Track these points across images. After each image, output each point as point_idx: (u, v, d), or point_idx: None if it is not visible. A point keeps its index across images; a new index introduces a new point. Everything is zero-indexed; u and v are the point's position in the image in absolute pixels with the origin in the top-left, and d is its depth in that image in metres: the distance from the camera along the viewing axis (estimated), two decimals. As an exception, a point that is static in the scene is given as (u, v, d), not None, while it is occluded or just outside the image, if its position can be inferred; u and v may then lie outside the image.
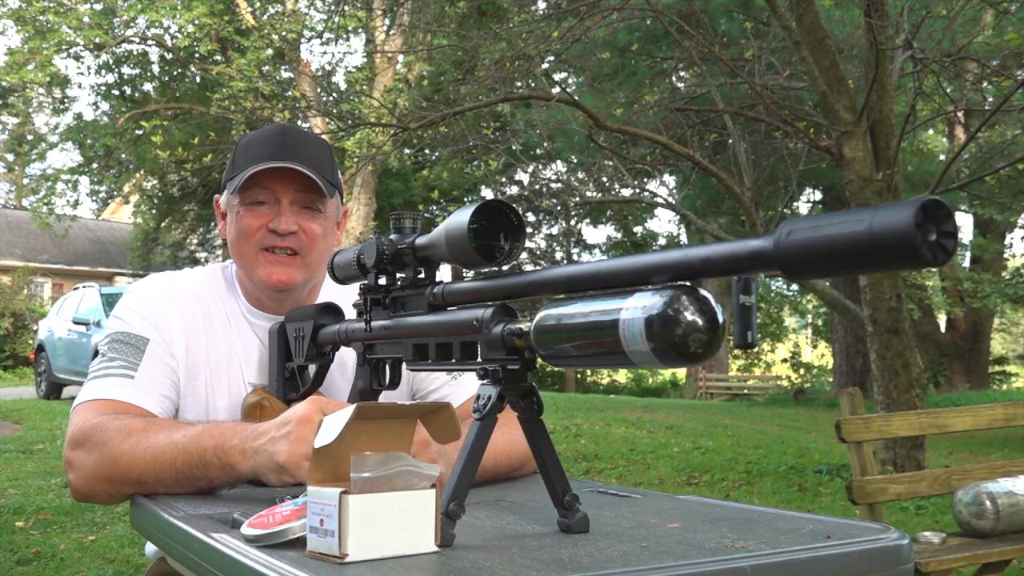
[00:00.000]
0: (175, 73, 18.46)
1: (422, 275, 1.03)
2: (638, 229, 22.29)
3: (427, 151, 16.55)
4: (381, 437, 0.86)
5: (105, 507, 4.82)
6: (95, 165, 19.78)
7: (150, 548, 1.52)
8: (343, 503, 0.77)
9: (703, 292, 0.69)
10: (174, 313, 1.44)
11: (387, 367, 1.18)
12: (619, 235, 22.91)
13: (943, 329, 17.00)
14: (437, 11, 10.23)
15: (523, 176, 16.32)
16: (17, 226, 25.42)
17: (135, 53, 17.80)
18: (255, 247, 1.43)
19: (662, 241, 22.04)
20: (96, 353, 1.42)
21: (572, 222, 20.52)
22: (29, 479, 5.94)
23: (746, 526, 0.95)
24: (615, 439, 8.46)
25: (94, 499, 1.28)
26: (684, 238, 19.71)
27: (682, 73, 10.94)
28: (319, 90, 15.84)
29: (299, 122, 15.92)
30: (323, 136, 11.29)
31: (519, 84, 9.09)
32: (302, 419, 1.08)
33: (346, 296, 1.46)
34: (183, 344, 1.43)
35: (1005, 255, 16.62)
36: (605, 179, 9.97)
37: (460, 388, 1.46)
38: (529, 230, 21.18)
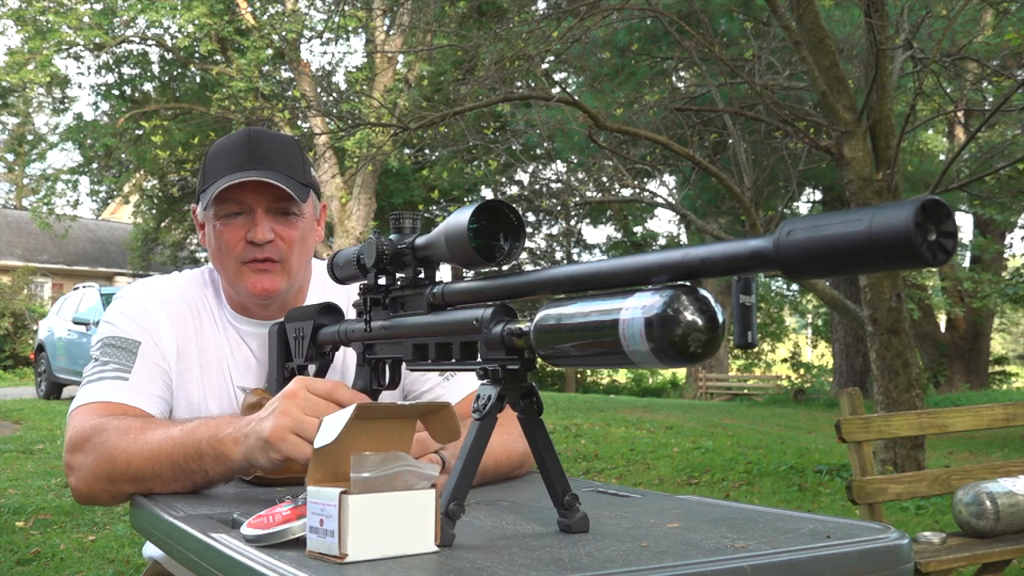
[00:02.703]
0: (175, 73, 18.46)
1: (422, 275, 1.03)
2: (638, 229, 22.30)
3: (427, 151, 16.56)
4: (381, 437, 0.86)
5: (105, 507, 4.83)
6: (95, 165, 19.78)
7: (147, 549, 1.53)
8: (343, 503, 0.77)
9: (703, 292, 0.69)
10: (164, 317, 1.45)
11: (387, 367, 1.18)
12: (619, 235, 22.92)
13: (943, 329, 17.00)
14: (437, 11, 10.24)
15: (523, 176, 16.33)
16: (17, 226, 25.43)
17: (135, 53, 17.81)
18: (236, 261, 1.43)
19: (662, 241, 22.05)
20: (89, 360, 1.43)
21: (572, 222, 20.52)
22: (29, 479, 5.94)
23: (746, 526, 0.95)
24: (615, 439, 8.46)
25: (95, 500, 1.28)
26: (684, 238, 19.71)
27: (682, 73, 10.94)
28: (319, 90, 15.84)
29: (299, 122, 15.92)
30: (324, 135, 11.30)
31: (519, 84, 9.10)
32: (287, 395, 1.08)
33: (337, 294, 1.45)
34: (174, 347, 1.44)
35: (1005, 255, 16.62)
36: (605, 179, 9.97)
37: (453, 389, 1.46)
38: (529, 230, 21.19)
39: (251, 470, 1.28)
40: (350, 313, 1.27)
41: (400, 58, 15.64)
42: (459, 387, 1.47)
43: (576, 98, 6.90)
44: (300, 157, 1.46)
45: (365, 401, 1.07)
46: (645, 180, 11.11)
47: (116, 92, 18.41)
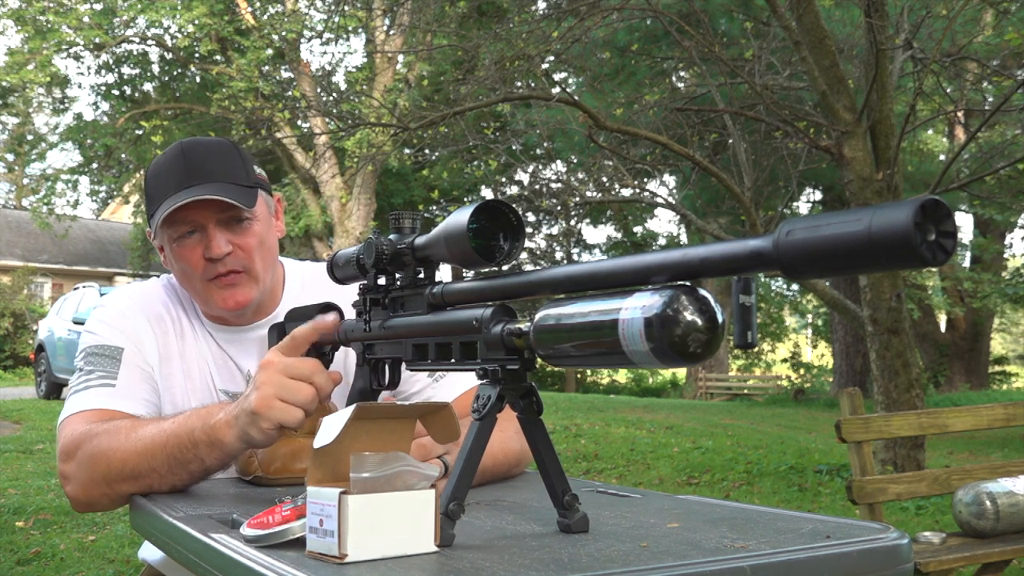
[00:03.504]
0: (175, 73, 18.47)
1: (421, 275, 1.03)
2: (638, 229, 22.30)
3: (427, 151, 16.56)
4: (381, 437, 0.86)
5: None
6: (95, 165, 19.79)
7: (142, 552, 1.52)
8: (343, 503, 0.77)
9: (703, 292, 0.69)
10: (144, 322, 1.45)
11: (387, 367, 1.18)
12: (619, 235, 22.93)
13: (943, 329, 17.01)
14: (437, 11, 10.24)
15: (523, 176, 16.32)
16: (17, 226, 25.42)
17: (135, 53, 17.82)
18: (201, 280, 1.42)
19: (662, 241, 22.05)
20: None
21: (572, 222, 20.52)
22: (29, 479, 5.94)
23: (746, 526, 0.95)
24: (615, 439, 8.46)
25: (94, 506, 1.27)
26: (684, 238, 19.71)
27: (682, 73, 10.95)
28: (319, 90, 15.84)
29: (299, 122, 15.93)
30: (324, 135, 11.30)
31: (519, 84, 9.09)
32: (263, 366, 1.10)
33: (318, 292, 1.44)
34: (156, 352, 1.44)
35: (1005, 255, 16.63)
36: (605, 179, 9.97)
37: (443, 390, 1.46)
38: (529, 230, 21.19)
39: (249, 468, 1.28)
40: (349, 313, 1.27)
41: (400, 58, 15.65)
42: (449, 387, 1.46)
43: (576, 98, 6.90)
44: (239, 159, 1.43)
45: (326, 331, 1.12)
46: (645, 180, 11.12)
47: (116, 92, 18.42)
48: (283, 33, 15.09)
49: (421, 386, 1.48)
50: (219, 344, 1.49)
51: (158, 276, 1.58)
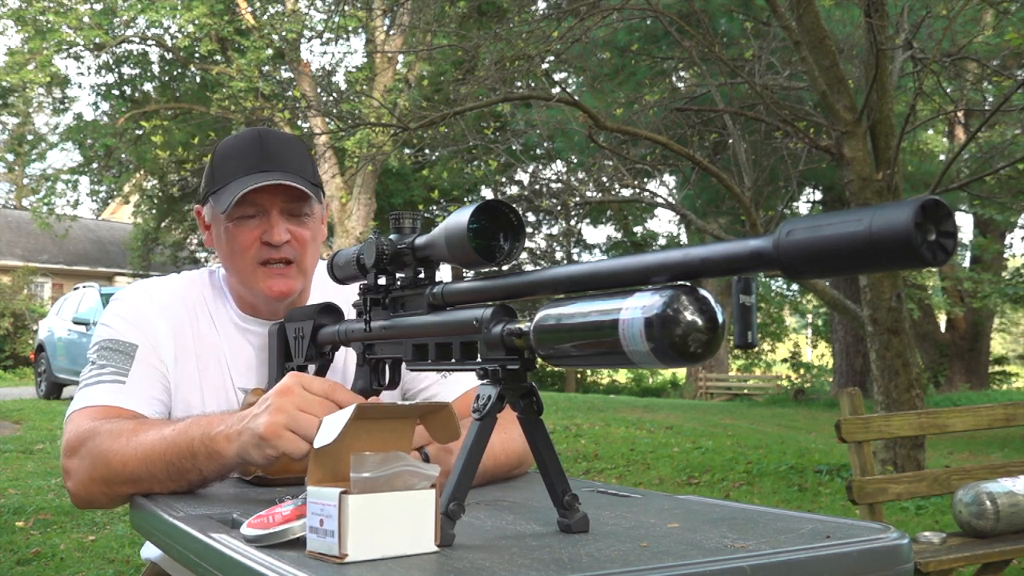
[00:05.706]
0: (175, 73, 18.46)
1: (422, 275, 1.03)
2: (638, 229, 22.30)
3: (427, 151, 16.55)
4: (381, 437, 0.86)
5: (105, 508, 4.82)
6: (95, 165, 19.78)
7: (145, 551, 1.52)
8: (343, 503, 0.77)
9: (703, 292, 0.69)
10: (161, 319, 1.44)
11: (387, 367, 1.18)
12: (619, 235, 22.92)
13: (943, 329, 17.01)
14: (437, 11, 10.23)
15: (523, 176, 16.34)
16: (17, 226, 25.42)
17: (135, 53, 17.80)
18: (251, 262, 1.42)
19: (662, 241, 22.04)
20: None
21: (572, 222, 20.52)
22: (29, 479, 5.94)
23: (746, 526, 0.95)
24: (615, 439, 8.46)
25: (94, 504, 1.28)
26: (684, 238, 19.71)
27: (682, 73, 10.94)
28: (319, 90, 15.84)
29: (299, 122, 15.93)
30: (324, 135, 11.30)
31: (519, 84, 9.09)
32: (280, 391, 1.07)
33: (337, 294, 1.45)
34: (171, 350, 1.44)
35: (1005, 255, 16.62)
36: (605, 179, 9.97)
37: (450, 387, 1.46)
38: (529, 230, 21.19)
39: (249, 468, 1.28)
40: (350, 313, 1.27)
41: (400, 58, 15.64)
42: (455, 385, 1.47)
43: (576, 98, 6.89)
44: (309, 157, 1.47)
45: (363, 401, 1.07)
46: (645, 180, 11.12)
47: (116, 92, 18.40)
48: (283, 33, 15.07)
49: (428, 383, 1.49)
50: (245, 337, 1.49)
51: (176, 273, 1.58)
